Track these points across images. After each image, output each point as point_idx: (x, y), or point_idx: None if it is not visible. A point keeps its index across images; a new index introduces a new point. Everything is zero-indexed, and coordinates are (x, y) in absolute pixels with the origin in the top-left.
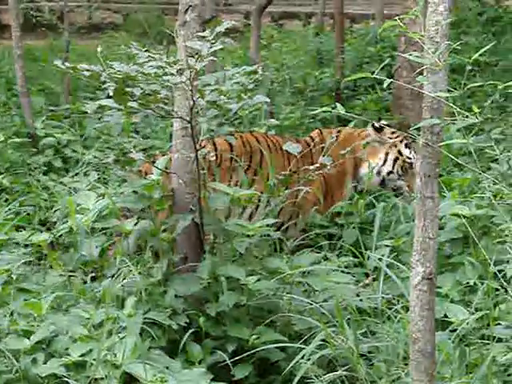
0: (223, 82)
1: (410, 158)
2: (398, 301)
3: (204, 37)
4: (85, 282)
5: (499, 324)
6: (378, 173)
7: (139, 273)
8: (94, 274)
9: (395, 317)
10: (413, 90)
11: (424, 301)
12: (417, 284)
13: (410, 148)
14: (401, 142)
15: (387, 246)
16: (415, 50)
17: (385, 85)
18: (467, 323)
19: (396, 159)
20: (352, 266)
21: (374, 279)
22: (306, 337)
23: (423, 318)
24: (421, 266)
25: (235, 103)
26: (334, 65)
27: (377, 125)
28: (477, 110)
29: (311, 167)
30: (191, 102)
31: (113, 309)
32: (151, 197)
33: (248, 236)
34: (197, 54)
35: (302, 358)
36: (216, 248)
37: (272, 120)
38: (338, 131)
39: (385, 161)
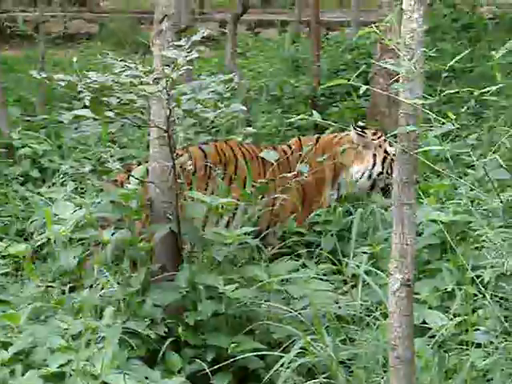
0: (199, 91)
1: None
2: (377, 308)
3: (180, 46)
4: (63, 293)
5: (478, 329)
6: (369, 176)
7: (117, 283)
8: (72, 285)
9: (374, 324)
10: (389, 96)
11: (402, 307)
12: (395, 290)
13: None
14: (385, 140)
15: (365, 252)
16: (391, 57)
17: (361, 92)
18: (446, 329)
19: (384, 159)
20: (331, 274)
21: (352, 286)
22: (285, 345)
23: (402, 324)
24: (399, 272)
25: (212, 112)
26: (310, 72)
27: (359, 129)
28: (453, 117)
29: (288, 175)
30: (168, 111)
31: (91, 319)
32: (128, 206)
33: (226, 244)
34: (173, 62)
35: (282, 366)
36: (194, 257)
37: (249, 128)
38: (318, 138)
39: (374, 163)
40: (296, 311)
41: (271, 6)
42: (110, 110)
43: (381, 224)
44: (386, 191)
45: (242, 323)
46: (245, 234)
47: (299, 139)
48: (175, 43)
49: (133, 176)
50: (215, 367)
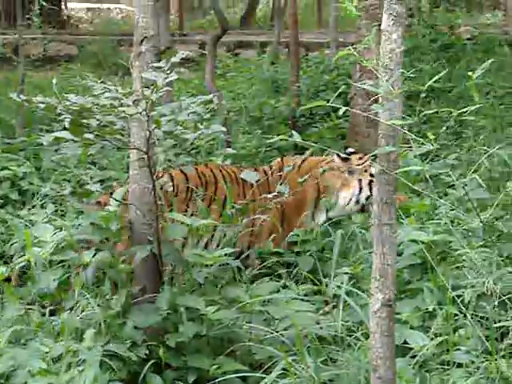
0: (179, 112)
1: None
2: (358, 328)
3: (159, 67)
4: (43, 316)
5: (459, 349)
6: (357, 201)
7: (98, 305)
8: (52, 307)
9: (355, 344)
10: (368, 117)
11: (384, 327)
12: (376, 311)
13: None
14: (370, 164)
15: (346, 273)
16: (370, 78)
17: (340, 112)
18: (427, 349)
19: (370, 182)
20: (311, 294)
21: (333, 307)
22: (266, 366)
23: (383, 344)
24: (380, 292)
25: (192, 133)
26: (289, 93)
27: (342, 155)
28: (432, 137)
29: (268, 196)
30: (147, 133)
31: (72, 342)
32: (108, 228)
33: (207, 266)
34: (152, 84)
35: None
36: (174, 278)
37: (229, 149)
38: (303, 160)
39: (360, 188)
40: (277, 332)
41: (250, 27)
42: (90, 132)
43: (361, 244)
44: None
45: (223, 345)
46: (225, 255)
47: (282, 160)
48: (155, 65)
49: (113, 198)
50: None
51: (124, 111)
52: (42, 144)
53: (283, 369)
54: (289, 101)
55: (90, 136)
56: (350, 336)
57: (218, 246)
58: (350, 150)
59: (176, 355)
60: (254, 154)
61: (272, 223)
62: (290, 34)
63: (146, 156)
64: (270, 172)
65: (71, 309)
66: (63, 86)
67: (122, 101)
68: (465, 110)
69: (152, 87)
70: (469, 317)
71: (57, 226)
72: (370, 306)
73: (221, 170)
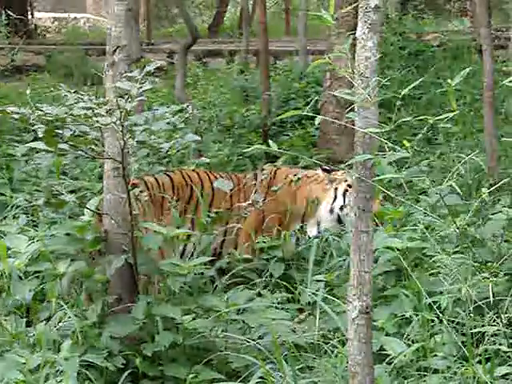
0: (153, 122)
1: None
2: (334, 335)
3: (133, 77)
4: (17, 327)
5: (436, 355)
6: (331, 210)
7: (74, 315)
8: (26, 319)
9: (332, 351)
10: (340, 125)
11: (362, 335)
12: (354, 318)
13: None
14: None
15: (320, 280)
16: (341, 86)
17: (316, 123)
18: (404, 355)
19: (345, 191)
20: (285, 301)
21: (309, 314)
22: (243, 375)
23: (361, 351)
24: (358, 300)
25: (166, 142)
26: (259, 102)
27: (325, 167)
28: (408, 144)
29: (244, 204)
30: (122, 143)
31: (49, 352)
32: (84, 238)
33: (181, 275)
34: (126, 94)
35: None
36: (149, 288)
37: (203, 158)
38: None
39: (335, 197)
40: (254, 340)
41: (218, 35)
42: (65, 142)
43: (334, 251)
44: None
45: (199, 353)
46: (200, 264)
47: (274, 171)
48: (128, 74)
49: (87, 208)
50: None
51: (98, 121)
52: (12, 155)
53: (261, 377)
54: (259, 109)
55: (65, 146)
56: (327, 343)
57: (192, 254)
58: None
59: (152, 364)
60: (225, 163)
61: (245, 231)
62: (260, 42)
63: (120, 165)
64: (244, 180)
65: (47, 319)
66: (32, 96)
67: (95, 111)
68: (442, 117)
69: (126, 97)
70: (445, 322)
71: (30, 237)
72: (348, 313)
73: (197, 176)
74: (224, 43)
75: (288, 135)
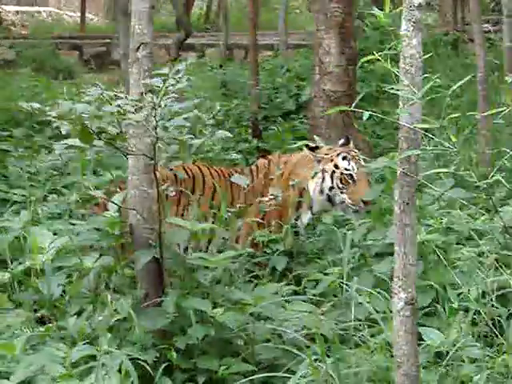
0: (186, 118)
1: (348, 170)
2: (363, 326)
3: (163, 74)
4: (45, 322)
5: (475, 346)
6: (321, 191)
7: (104, 310)
8: (53, 315)
9: (363, 342)
10: (329, 119)
11: (408, 326)
12: (400, 309)
13: (347, 160)
14: (338, 155)
15: (324, 273)
16: (330, 80)
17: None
18: (445, 346)
19: (333, 173)
20: (293, 294)
21: (332, 306)
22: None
23: (407, 342)
24: (403, 291)
25: (197, 139)
26: (243, 96)
27: (311, 144)
28: (454, 139)
29: (265, 198)
30: (154, 139)
31: (89, 346)
32: (114, 234)
33: (209, 268)
34: (159, 91)
35: None
36: (175, 282)
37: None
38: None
39: (323, 178)
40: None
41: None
42: (99, 139)
43: (331, 244)
44: (344, 208)
45: (228, 346)
46: (228, 257)
47: (268, 160)
48: (159, 72)
49: (113, 202)
50: None
51: (130, 118)
52: (5, 150)
53: (291, 370)
54: (245, 103)
55: (100, 143)
56: (354, 335)
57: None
58: (319, 141)
59: (185, 357)
60: (220, 158)
61: (248, 227)
62: (249, 37)
63: (147, 161)
64: (255, 173)
65: (77, 314)
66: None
67: (127, 108)
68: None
69: (160, 93)
70: (471, 313)
71: (54, 232)
72: (393, 305)
73: (209, 169)
74: (195, 37)
75: (274, 129)
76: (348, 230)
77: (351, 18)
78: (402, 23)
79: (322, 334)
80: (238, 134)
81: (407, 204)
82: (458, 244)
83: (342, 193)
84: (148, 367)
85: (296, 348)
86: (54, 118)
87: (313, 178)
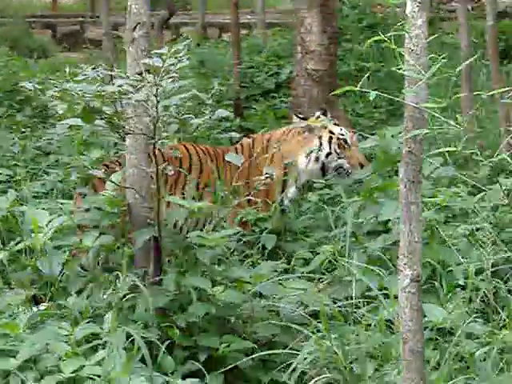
0: (184, 97)
1: (342, 135)
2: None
3: (162, 54)
4: (41, 301)
5: (475, 321)
6: (317, 159)
7: (104, 288)
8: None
9: (361, 319)
10: (311, 97)
11: (413, 302)
12: (405, 286)
13: (339, 125)
14: (329, 121)
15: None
16: (312, 59)
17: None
18: (448, 322)
19: (330, 139)
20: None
21: (328, 283)
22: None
23: (413, 318)
24: (408, 268)
25: (197, 118)
26: (222, 75)
27: (300, 115)
28: (460, 119)
29: (261, 177)
30: (155, 119)
31: (92, 325)
32: (113, 212)
33: (207, 246)
34: (159, 70)
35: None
36: (173, 260)
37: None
38: (269, 138)
39: (320, 144)
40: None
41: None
42: (102, 119)
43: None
44: (339, 173)
45: (227, 324)
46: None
47: (252, 139)
48: (158, 52)
49: (111, 181)
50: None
51: (130, 97)
52: None
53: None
54: (226, 82)
55: (101, 122)
56: (354, 312)
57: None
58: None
59: (185, 335)
60: (205, 137)
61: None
62: (231, 16)
63: (145, 140)
64: (240, 152)
65: (78, 292)
66: None
67: (128, 87)
68: None
69: (162, 73)
70: (468, 290)
71: (52, 211)
72: (399, 282)
73: (195, 149)
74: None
75: (254, 108)
76: (338, 208)
77: None
78: (408, 3)
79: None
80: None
81: (412, 182)
82: (449, 222)
83: (339, 158)
84: (148, 345)
85: (295, 325)
86: (51, 97)
87: (304, 147)
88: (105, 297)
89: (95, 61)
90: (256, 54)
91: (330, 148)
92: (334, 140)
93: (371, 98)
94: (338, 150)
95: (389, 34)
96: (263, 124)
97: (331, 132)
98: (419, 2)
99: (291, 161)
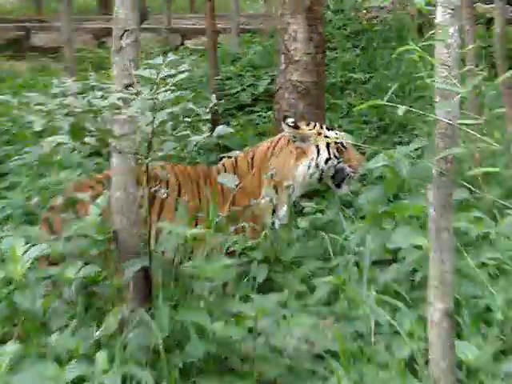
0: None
1: (338, 139)
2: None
3: (157, 65)
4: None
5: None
6: (317, 165)
7: (92, 325)
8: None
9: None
10: (296, 111)
11: (445, 339)
12: (437, 322)
13: (332, 129)
14: (321, 127)
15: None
16: (297, 69)
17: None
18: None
19: (328, 144)
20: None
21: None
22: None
23: (445, 357)
24: (440, 301)
25: (196, 135)
26: (192, 87)
27: (291, 123)
28: (497, 136)
29: (261, 200)
30: (150, 136)
31: (83, 365)
32: (101, 240)
33: (208, 278)
34: (152, 83)
35: None
36: (165, 292)
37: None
38: (252, 156)
39: (318, 151)
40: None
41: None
42: (92, 136)
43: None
44: (337, 180)
45: (227, 362)
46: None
47: (235, 159)
48: (153, 62)
49: (95, 206)
50: None
51: (123, 113)
52: None
53: None
54: (198, 95)
55: (91, 140)
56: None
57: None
58: (291, 119)
59: (183, 376)
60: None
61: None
62: (206, 22)
63: (132, 161)
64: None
65: (62, 329)
66: None
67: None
68: None
69: (155, 86)
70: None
71: (29, 239)
72: (429, 316)
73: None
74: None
75: (231, 124)
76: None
77: (320, 1)
78: (438, 11)
79: (331, 350)
80: (195, 129)
81: (443, 206)
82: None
83: (339, 162)
84: None
85: (302, 364)
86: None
87: (299, 158)
88: (96, 334)
89: (51, 71)
90: (230, 64)
91: (329, 153)
92: (331, 145)
93: (400, 114)
94: (337, 154)
95: (420, 44)
96: (242, 142)
97: (327, 137)
98: (451, 9)
99: (286, 175)
